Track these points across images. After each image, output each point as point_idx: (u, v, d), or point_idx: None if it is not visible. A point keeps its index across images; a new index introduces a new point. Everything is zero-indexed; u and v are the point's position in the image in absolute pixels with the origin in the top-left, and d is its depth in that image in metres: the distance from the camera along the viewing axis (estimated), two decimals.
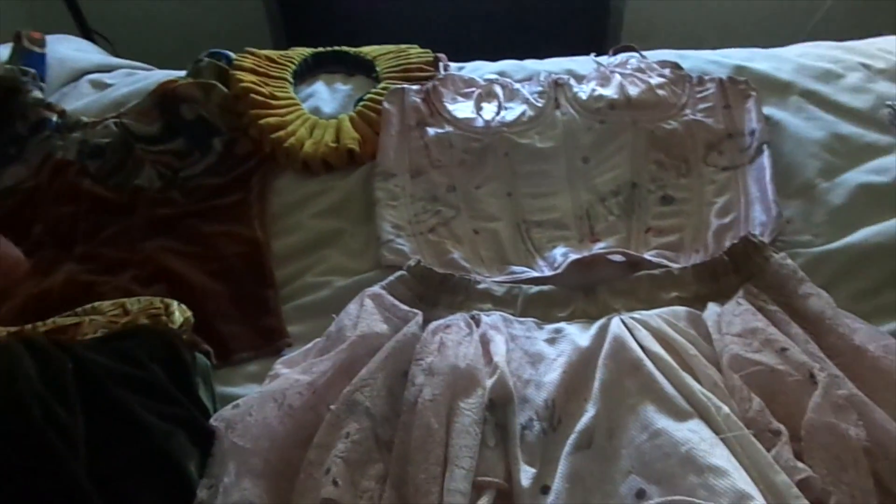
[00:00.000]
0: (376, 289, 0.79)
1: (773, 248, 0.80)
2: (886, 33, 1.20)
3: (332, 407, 0.67)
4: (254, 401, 0.69)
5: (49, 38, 1.20)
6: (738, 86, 1.01)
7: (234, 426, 0.67)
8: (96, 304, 0.77)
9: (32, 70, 1.06)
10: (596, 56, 1.14)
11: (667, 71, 1.04)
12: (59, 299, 0.82)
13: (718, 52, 1.14)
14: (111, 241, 0.93)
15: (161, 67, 1.33)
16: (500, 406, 0.67)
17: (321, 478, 0.62)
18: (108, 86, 1.16)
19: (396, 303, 0.78)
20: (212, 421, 0.68)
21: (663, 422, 0.63)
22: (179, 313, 0.76)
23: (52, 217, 0.95)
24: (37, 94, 1.05)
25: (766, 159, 0.92)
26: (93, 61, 1.21)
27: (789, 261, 0.77)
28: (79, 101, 1.13)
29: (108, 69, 1.21)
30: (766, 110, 1.00)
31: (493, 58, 1.22)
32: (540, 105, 1.01)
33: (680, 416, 0.63)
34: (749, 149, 0.95)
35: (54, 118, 1.04)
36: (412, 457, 0.62)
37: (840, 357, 0.68)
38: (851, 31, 1.27)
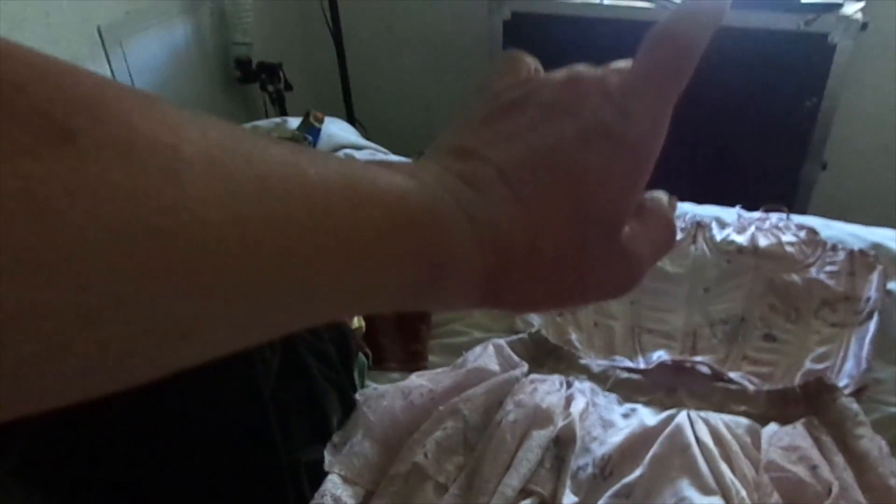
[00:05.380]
0: (500, 341, 1.01)
1: (843, 394, 0.90)
2: None
3: (441, 408, 0.89)
4: (388, 390, 0.93)
5: (326, 119, 1.63)
6: (867, 258, 1.12)
7: (369, 403, 0.92)
8: None
9: (310, 138, 1.47)
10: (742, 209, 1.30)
11: (802, 233, 1.18)
12: None
13: (862, 227, 1.25)
14: None
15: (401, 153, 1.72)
16: (564, 444, 0.85)
17: (417, 450, 0.84)
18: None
19: (512, 354, 0.99)
20: (356, 395, 0.93)
21: (690, 492, 0.77)
22: (357, 320, 1.04)
23: None
24: None
25: (873, 324, 1.02)
26: (350, 140, 1.61)
27: (856, 405, 0.87)
28: None
29: (358, 148, 1.60)
30: (893, 285, 1.09)
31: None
32: (678, 238, 1.20)
33: (706, 491, 0.77)
34: (862, 313, 1.05)
35: None
36: (486, 456, 0.82)
37: (871, 493, 0.77)
38: None
